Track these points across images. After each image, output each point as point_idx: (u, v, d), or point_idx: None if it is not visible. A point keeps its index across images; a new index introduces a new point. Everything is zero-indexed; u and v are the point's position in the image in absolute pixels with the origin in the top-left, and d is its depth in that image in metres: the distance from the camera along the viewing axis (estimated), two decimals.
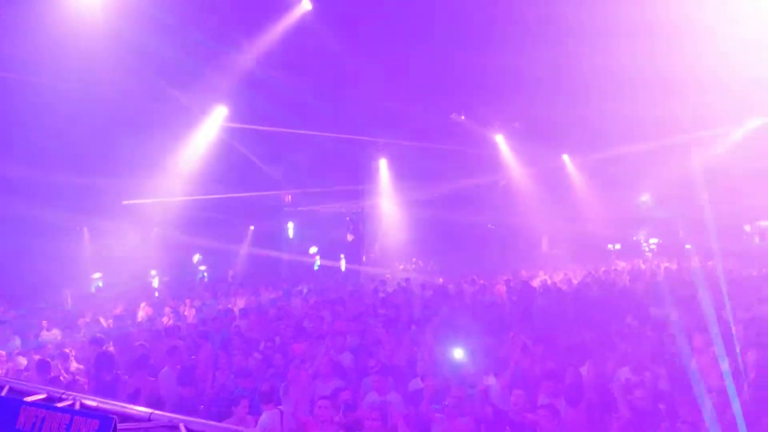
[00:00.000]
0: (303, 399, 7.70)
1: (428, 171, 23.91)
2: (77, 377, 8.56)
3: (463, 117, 22.06)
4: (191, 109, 18.25)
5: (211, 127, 19.36)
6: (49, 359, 9.46)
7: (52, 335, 12.44)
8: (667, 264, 20.57)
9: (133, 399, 6.88)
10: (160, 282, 22.51)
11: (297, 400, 7.50)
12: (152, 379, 8.54)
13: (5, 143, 15.47)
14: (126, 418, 3.20)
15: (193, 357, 10.12)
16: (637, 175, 24.24)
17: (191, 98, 17.47)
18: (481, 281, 17.37)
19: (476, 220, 26.69)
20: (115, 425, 2.54)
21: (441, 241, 25.81)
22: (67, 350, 10.38)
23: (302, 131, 19.87)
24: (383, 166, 24.92)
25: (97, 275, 20.82)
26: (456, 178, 24.54)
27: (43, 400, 3.39)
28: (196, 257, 25.05)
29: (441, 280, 19.93)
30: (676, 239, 25.21)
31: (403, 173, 24.66)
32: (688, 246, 25.23)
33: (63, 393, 3.45)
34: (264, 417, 6.75)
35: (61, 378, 8.59)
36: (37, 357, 10.14)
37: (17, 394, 3.53)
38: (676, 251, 23.42)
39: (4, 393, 3.48)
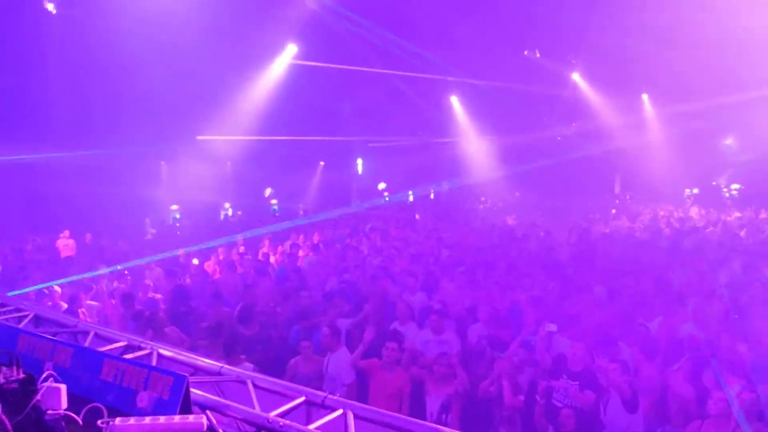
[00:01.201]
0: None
1: (501, 109, 23.42)
2: (158, 310, 9.07)
3: (538, 54, 21.38)
4: (262, 47, 18.42)
5: (280, 65, 19.54)
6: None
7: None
8: (738, 214, 19.67)
9: (215, 334, 7.30)
10: (234, 214, 23.40)
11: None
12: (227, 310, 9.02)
13: (90, 86, 16.08)
14: (198, 369, 3.46)
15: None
16: (721, 116, 22.96)
17: (263, 36, 17.57)
18: (544, 226, 17.15)
19: (549, 159, 26.10)
20: (188, 384, 2.76)
21: (512, 180, 25.47)
22: (147, 281, 11.05)
23: (373, 69, 19.75)
24: (455, 103, 24.61)
25: (174, 207, 21.77)
26: (530, 115, 23.98)
27: (124, 347, 3.70)
28: (268, 191, 25.69)
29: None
30: (761, 186, 23.96)
31: (474, 111, 24.28)
32: None
33: (142, 342, 3.75)
34: (329, 357, 7.03)
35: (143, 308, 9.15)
36: (121, 285, 10.89)
37: (101, 341, 3.86)
38: (758, 198, 22.31)
39: (89, 340, 3.81)
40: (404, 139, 25.83)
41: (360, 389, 7.11)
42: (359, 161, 28.43)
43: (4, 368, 3.08)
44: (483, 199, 27.48)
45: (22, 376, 3.04)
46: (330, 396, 3.00)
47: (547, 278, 10.71)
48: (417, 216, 21.45)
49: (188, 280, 11.61)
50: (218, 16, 15.39)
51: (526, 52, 20.96)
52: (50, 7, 14.18)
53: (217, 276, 11.96)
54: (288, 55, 19.43)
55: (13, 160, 15.35)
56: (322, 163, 26.75)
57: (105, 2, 14.07)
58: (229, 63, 17.89)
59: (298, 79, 19.73)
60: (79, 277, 11.46)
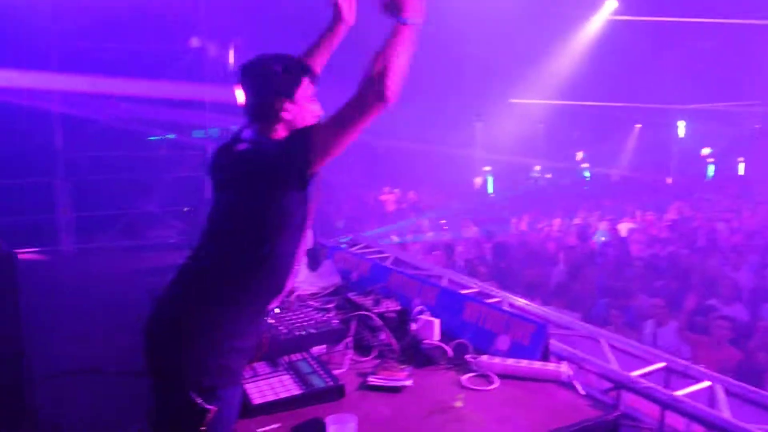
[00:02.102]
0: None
1: None
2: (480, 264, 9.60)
3: None
4: (581, 4, 17.78)
5: (597, 22, 18.67)
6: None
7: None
8: None
9: (530, 291, 7.53)
10: (542, 178, 23.40)
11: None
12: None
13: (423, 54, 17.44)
14: (547, 321, 3.58)
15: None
16: None
17: None
18: None
19: None
20: (548, 333, 2.88)
21: None
22: (468, 235, 11.74)
23: (702, 19, 17.64)
24: None
25: (487, 168, 22.53)
26: None
27: (477, 294, 4.00)
28: (580, 154, 24.98)
29: None
30: None
31: None
32: None
33: (492, 290, 4.00)
34: (657, 330, 6.73)
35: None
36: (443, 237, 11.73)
37: (454, 285, 4.23)
38: None
39: (444, 283, 4.19)
40: (735, 101, 22.69)
41: None
42: (681, 124, 25.84)
43: (384, 300, 3.57)
44: None
45: (398, 307, 3.50)
46: (693, 365, 2.86)
47: None
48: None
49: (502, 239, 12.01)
50: None
51: None
52: None
53: (532, 236, 12.15)
54: (607, 10, 18.44)
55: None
56: (638, 125, 25.00)
57: None
58: (545, 23, 17.65)
59: (615, 37, 18.61)
60: (404, 227, 12.69)
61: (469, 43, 17.20)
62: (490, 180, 22.71)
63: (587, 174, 23.83)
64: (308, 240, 2.91)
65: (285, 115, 2.43)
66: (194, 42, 13.39)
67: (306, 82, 2.49)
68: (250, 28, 13.34)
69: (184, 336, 2.31)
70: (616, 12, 18.39)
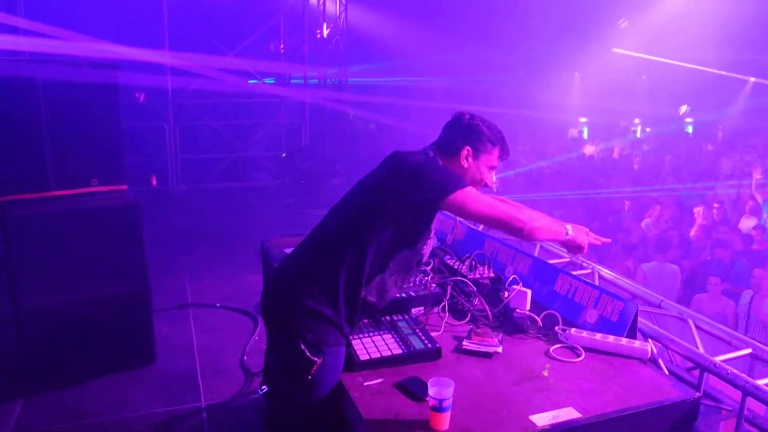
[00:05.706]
0: None
1: None
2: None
3: None
4: None
5: None
6: None
7: None
8: None
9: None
10: (642, 132, 22.42)
11: None
12: None
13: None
14: (635, 297, 3.69)
15: None
16: None
17: None
18: None
19: None
20: (637, 313, 3.00)
21: None
22: None
23: None
24: None
25: (583, 119, 21.80)
26: None
27: (568, 263, 4.13)
28: (683, 108, 23.58)
29: None
30: None
31: None
32: None
33: (584, 261, 4.13)
34: (754, 299, 6.61)
35: None
36: None
37: (547, 254, 4.37)
38: None
39: (536, 251, 4.35)
40: None
41: None
42: None
43: (479, 266, 3.78)
44: None
45: (492, 275, 3.70)
46: None
47: None
48: None
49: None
50: None
51: None
52: None
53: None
54: None
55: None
56: (752, 79, 23.17)
57: None
58: None
59: None
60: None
61: None
62: (585, 132, 22.00)
63: (690, 128, 22.50)
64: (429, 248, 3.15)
65: (463, 162, 2.77)
66: None
67: (496, 153, 2.83)
68: None
69: (298, 296, 2.66)
70: None
